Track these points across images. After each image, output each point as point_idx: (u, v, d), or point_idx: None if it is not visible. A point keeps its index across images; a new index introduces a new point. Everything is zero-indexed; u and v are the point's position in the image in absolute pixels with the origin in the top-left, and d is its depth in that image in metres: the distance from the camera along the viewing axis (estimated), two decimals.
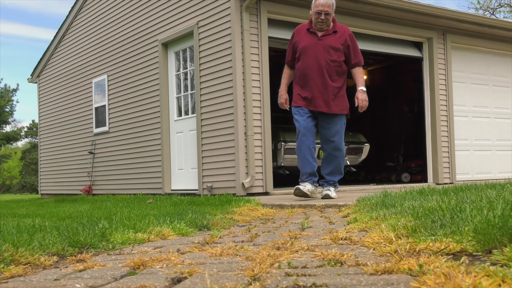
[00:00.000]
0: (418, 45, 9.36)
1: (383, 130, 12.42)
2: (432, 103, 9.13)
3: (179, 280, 1.42)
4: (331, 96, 5.26)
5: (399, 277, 1.27)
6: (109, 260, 1.94)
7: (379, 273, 1.34)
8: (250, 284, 1.30)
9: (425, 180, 9.24)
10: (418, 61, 9.47)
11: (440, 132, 9.09)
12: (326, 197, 5.21)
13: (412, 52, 9.32)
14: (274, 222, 3.51)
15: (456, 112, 9.44)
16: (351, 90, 5.52)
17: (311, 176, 5.29)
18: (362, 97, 5.28)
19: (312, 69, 5.28)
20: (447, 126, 9.22)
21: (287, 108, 5.52)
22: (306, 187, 5.22)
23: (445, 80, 9.29)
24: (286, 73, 5.60)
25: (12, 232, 2.47)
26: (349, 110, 5.42)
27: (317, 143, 5.56)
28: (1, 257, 1.81)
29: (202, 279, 1.41)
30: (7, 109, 39.11)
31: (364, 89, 5.34)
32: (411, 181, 10.25)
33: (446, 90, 9.28)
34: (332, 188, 5.37)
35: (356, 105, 5.29)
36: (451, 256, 1.46)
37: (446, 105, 9.25)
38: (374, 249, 1.79)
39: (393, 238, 1.79)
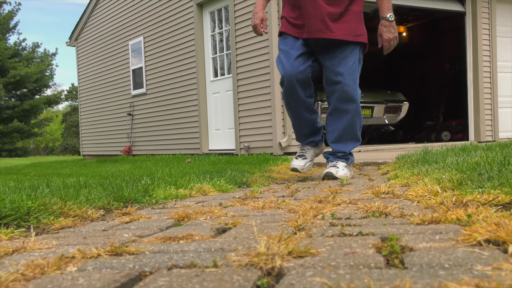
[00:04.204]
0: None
1: (422, 88, 12.14)
2: (475, 60, 8.83)
3: (224, 230, 1.44)
4: (334, 14, 3.37)
5: (447, 227, 1.25)
6: (154, 213, 1.98)
7: (426, 223, 1.32)
8: (295, 233, 1.30)
9: (466, 139, 9.04)
10: (460, 16, 9.11)
11: (482, 89, 8.82)
12: (328, 176, 3.39)
13: (454, 7, 8.96)
14: (313, 180, 3.51)
15: (500, 68, 9.11)
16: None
17: (311, 136, 3.63)
18: (387, 36, 3.35)
19: None
20: (490, 82, 8.93)
21: (264, 33, 3.59)
22: (307, 158, 3.61)
23: (489, 35, 8.94)
24: None
25: (59, 187, 2.55)
26: (367, 40, 3.48)
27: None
28: (51, 209, 1.87)
29: (247, 229, 1.42)
30: (47, 73, 39.91)
31: (392, 17, 3.37)
32: (451, 140, 10.04)
33: (489, 45, 8.94)
34: (340, 164, 3.48)
35: (379, 45, 3.43)
36: (501, 207, 1.43)
37: (490, 61, 8.93)
38: (418, 202, 1.77)
39: (439, 190, 1.76)
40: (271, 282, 0.84)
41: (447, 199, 1.59)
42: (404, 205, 1.75)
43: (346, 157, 3.54)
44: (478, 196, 1.56)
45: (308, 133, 3.61)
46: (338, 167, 3.45)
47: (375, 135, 10.58)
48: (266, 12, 4.30)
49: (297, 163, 3.57)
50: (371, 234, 1.22)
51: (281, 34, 3.59)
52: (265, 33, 3.60)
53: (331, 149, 3.59)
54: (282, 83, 3.55)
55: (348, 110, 3.44)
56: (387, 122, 9.22)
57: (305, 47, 3.45)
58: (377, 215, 1.54)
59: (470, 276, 0.78)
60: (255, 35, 7.37)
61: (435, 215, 1.36)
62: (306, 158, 3.61)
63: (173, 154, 9.00)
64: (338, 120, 3.48)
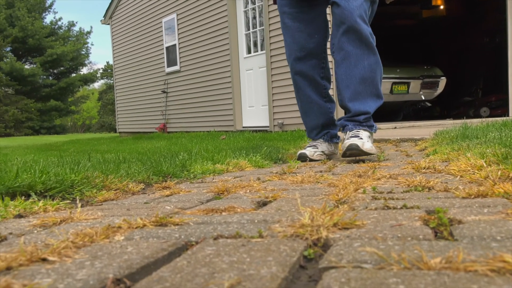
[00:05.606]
0: None
1: (460, 63, 11.82)
2: None
3: (264, 203, 1.44)
4: None
5: (495, 200, 1.22)
6: (193, 187, 2.00)
7: (472, 196, 1.29)
8: (337, 206, 1.29)
9: (507, 114, 8.79)
10: None
11: None
12: (352, 149, 2.68)
13: None
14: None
15: None
16: None
17: (325, 128, 3.15)
18: None
19: None
20: None
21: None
22: (318, 148, 3.10)
23: None
24: None
25: (100, 162, 2.60)
26: None
27: None
28: (93, 183, 1.90)
29: (288, 202, 1.42)
30: (83, 52, 40.56)
31: None
32: (490, 116, 9.80)
33: None
34: (363, 133, 2.80)
35: None
36: None
37: None
38: (461, 176, 1.73)
39: (484, 165, 1.72)
40: (318, 252, 0.83)
41: (493, 173, 1.55)
42: (447, 179, 1.72)
43: (369, 122, 2.89)
44: None
45: (321, 125, 3.13)
46: (362, 138, 2.74)
47: (411, 111, 10.39)
48: None
49: (305, 151, 3.10)
50: (416, 207, 1.20)
51: None
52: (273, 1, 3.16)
53: (345, 114, 2.97)
54: (290, 55, 3.00)
55: (363, 54, 2.76)
56: (423, 98, 9.03)
57: (317, 6, 2.92)
58: (420, 189, 1.51)
59: None
60: None
61: (482, 188, 1.33)
62: (317, 148, 3.13)
63: (208, 131, 9.06)
64: (353, 67, 2.78)
